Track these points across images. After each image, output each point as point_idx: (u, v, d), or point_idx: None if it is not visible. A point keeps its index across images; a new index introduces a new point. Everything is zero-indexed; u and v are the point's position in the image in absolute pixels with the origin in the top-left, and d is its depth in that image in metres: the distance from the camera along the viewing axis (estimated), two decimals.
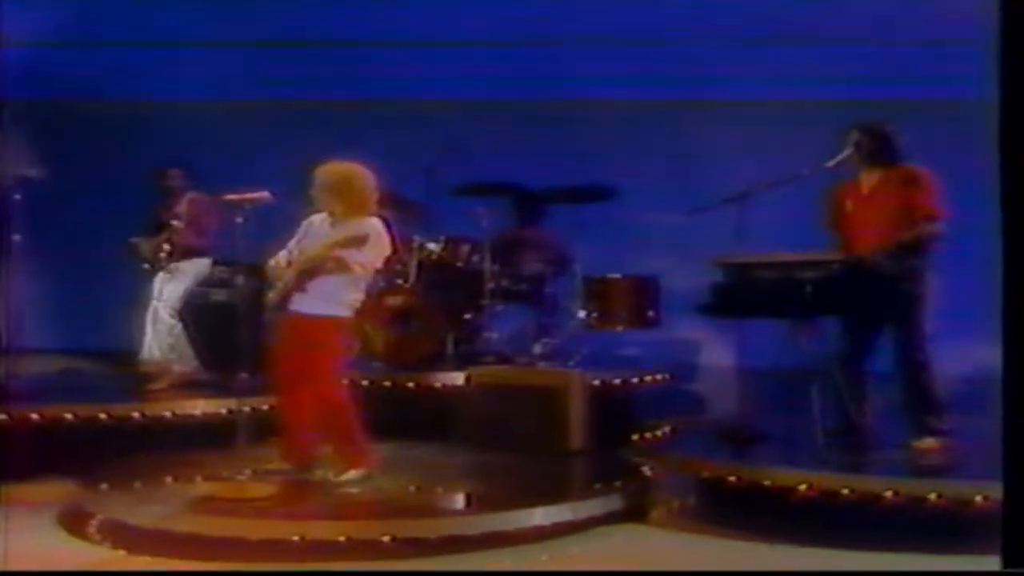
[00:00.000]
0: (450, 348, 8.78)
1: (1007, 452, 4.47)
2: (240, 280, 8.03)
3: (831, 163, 6.69)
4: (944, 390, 6.55)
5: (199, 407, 7.67)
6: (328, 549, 5.48)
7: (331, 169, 6.31)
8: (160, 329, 8.41)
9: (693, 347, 9.51)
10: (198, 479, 6.49)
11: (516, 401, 7.56)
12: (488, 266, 8.83)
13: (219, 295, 8.48)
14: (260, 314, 6.88)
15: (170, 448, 7.26)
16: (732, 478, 6.28)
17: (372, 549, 5.50)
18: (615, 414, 8.01)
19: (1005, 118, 4.33)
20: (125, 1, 9.96)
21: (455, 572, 5.54)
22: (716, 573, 5.53)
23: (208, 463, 6.78)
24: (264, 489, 6.17)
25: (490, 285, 8.82)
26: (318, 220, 6.35)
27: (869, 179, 6.70)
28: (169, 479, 6.50)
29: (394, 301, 8.65)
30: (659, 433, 7.85)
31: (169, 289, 8.47)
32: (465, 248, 9.03)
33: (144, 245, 8.50)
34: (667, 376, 8.76)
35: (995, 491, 4.79)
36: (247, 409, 7.09)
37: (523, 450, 7.21)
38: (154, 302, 8.47)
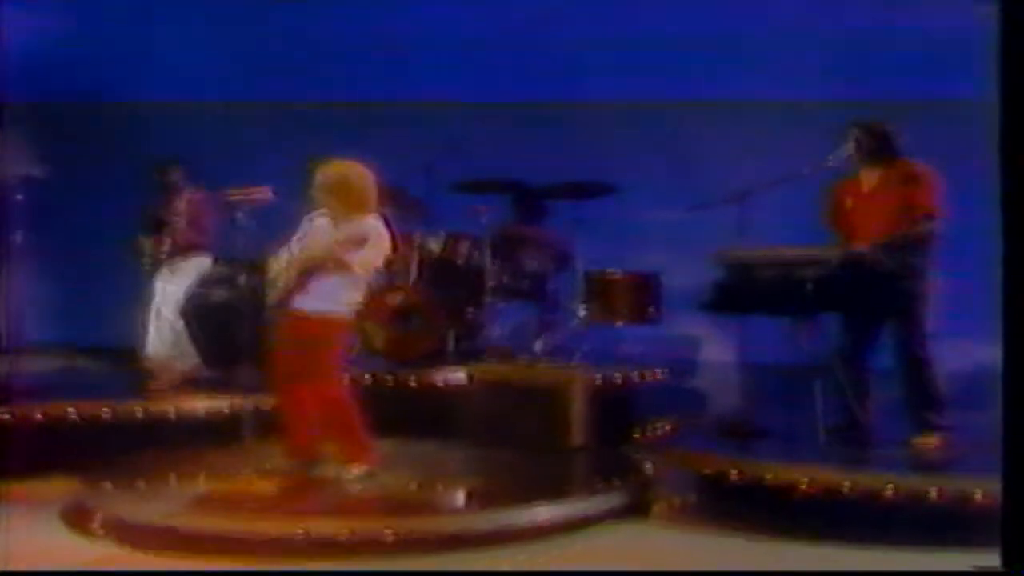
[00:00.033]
0: (451, 345, 8.79)
1: (1006, 448, 4.50)
2: (241, 277, 8.06)
3: (831, 161, 6.70)
4: (945, 386, 6.57)
5: (201, 404, 7.68)
6: (332, 545, 5.48)
7: (330, 168, 6.33)
8: (161, 327, 8.43)
9: (694, 344, 9.54)
10: (201, 476, 6.52)
11: (517, 398, 7.59)
12: (489, 263, 8.84)
13: (220, 293, 8.46)
14: (261, 312, 6.89)
15: (172, 445, 7.26)
16: (733, 474, 6.29)
17: (376, 545, 5.51)
18: (616, 411, 8.01)
19: (1005, 118, 4.35)
20: (125, 4, 10.00)
21: (456, 572, 5.55)
22: (717, 573, 5.53)
23: (211, 460, 6.81)
24: (268, 486, 6.22)
25: (491, 282, 8.84)
26: (319, 219, 6.36)
27: (869, 177, 6.72)
28: (172, 476, 6.51)
29: (395, 298, 8.66)
30: (659, 429, 7.85)
31: (170, 287, 8.48)
32: (466, 245, 9.04)
33: (144, 243, 8.50)
34: (668, 373, 8.79)
35: (995, 487, 4.81)
36: (249, 406, 7.15)
37: (525, 447, 7.23)
38: (155, 300, 8.48)
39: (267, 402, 6.79)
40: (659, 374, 8.65)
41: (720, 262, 6.81)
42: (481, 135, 9.59)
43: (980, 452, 5.84)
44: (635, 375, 8.50)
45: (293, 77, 10.24)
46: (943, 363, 6.56)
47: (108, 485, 6.32)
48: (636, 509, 6.41)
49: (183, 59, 10.01)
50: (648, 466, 7.01)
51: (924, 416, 6.56)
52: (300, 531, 5.51)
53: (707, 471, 6.58)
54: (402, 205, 8.58)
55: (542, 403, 7.48)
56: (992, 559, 4.52)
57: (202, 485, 6.38)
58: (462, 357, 8.60)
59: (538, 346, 8.82)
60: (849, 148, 6.67)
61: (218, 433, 7.37)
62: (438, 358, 8.62)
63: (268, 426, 6.73)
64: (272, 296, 6.38)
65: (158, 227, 8.54)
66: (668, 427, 7.86)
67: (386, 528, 5.59)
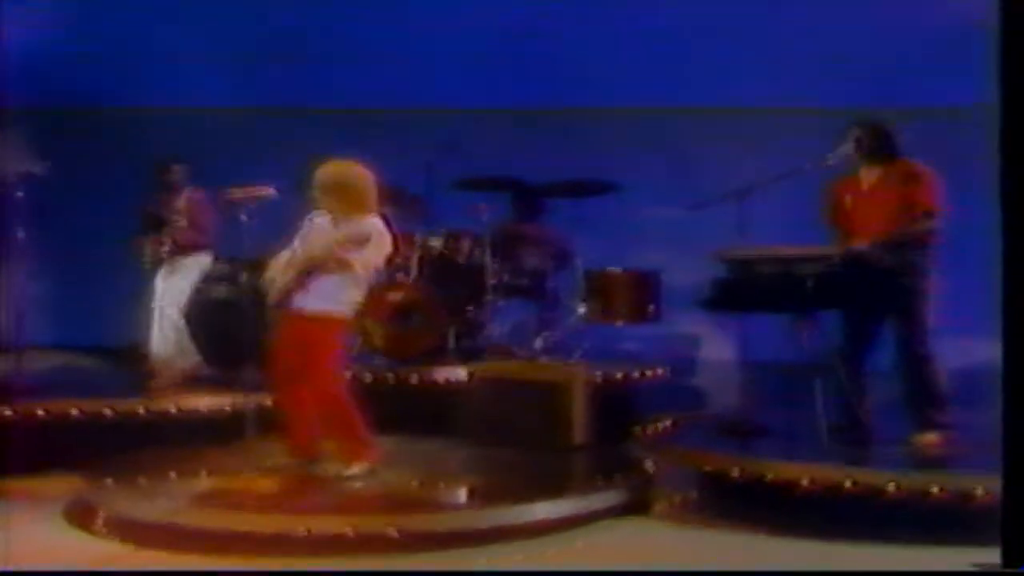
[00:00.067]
0: (451, 343, 8.81)
1: (1007, 446, 4.52)
2: (243, 276, 8.06)
3: (831, 159, 6.71)
4: (945, 384, 6.58)
5: (203, 403, 7.69)
6: (335, 543, 5.50)
7: (330, 169, 6.34)
8: (163, 325, 8.42)
9: (694, 341, 9.56)
10: (203, 474, 6.53)
11: (518, 396, 7.57)
12: (489, 261, 8.87)
13: (221, 291, 8.47)
14: (263, 310, 6.90)
15: (174, 444, 7.28)
16: (734, 472, 6.31)
17: (379, 543, 5.53)
18: (616, 408, 8.03)
19: (1005, 118, 4.37)
20: (125, 10, 10.02)
21: (457, 572, 5.56)
22: (719, 572, 5.54)
23: (213, 458, 6.82)
24: (270, 484, 6.23)
25: (491, 280, 8.86)
26: (320, 219, 6.38)
27: (869, 175, 6.73)
28: (174, 474, 6.51)
29: (395, 296, 8.67)
30: (660, 427, 7.87)
31: (171, 286, 8.47)
32: (466, 243, 9.06)
33: (144, 243, 8.49)
34: (668, 371, 8.81)
35: (996, 484, 4.83)
36: (251, 404, 7.16)
37: (525, 445, 7.22)
38: (156, 299, 8.48)
39: (269, 400, 6.79)
40: (659, 372, 8.68)
41: (720, 260, 6.82)
42: (482, 138, 9.61)
43: (981, 450, 5.85)
44: (635, 373, 8.53)
45: (294, 83, 10.28)
46: (944, 361, 6.57)
47: (110, 482, 6.32)
48: (637, 506, 6.42)
49: (183, 64, 10.06)
50: (649, 463, 7.02)
51: (925, 414, 6.57)
52: (302, 529, 5.53)
53: (708, 468, 6.60)
54: (402, 204, 8.59)
55: (543, 401, 7.47)
56: (993, 556, 4.54)
57: (205, 483, 6.39)
58: (463, 355, 8.62)
59: (538, 344, 8.85)
60: (849, 146, 6.68)
61: (220, 431, 7.37)
62: (439, 356, 8.64)
63: (269, 424, 6.73)
64: (272, 295, 6.39)
65: (158, 226, 8.51)
66: (669, 424, 7.87)
67: (391, 525, 5.60)
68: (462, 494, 6.54)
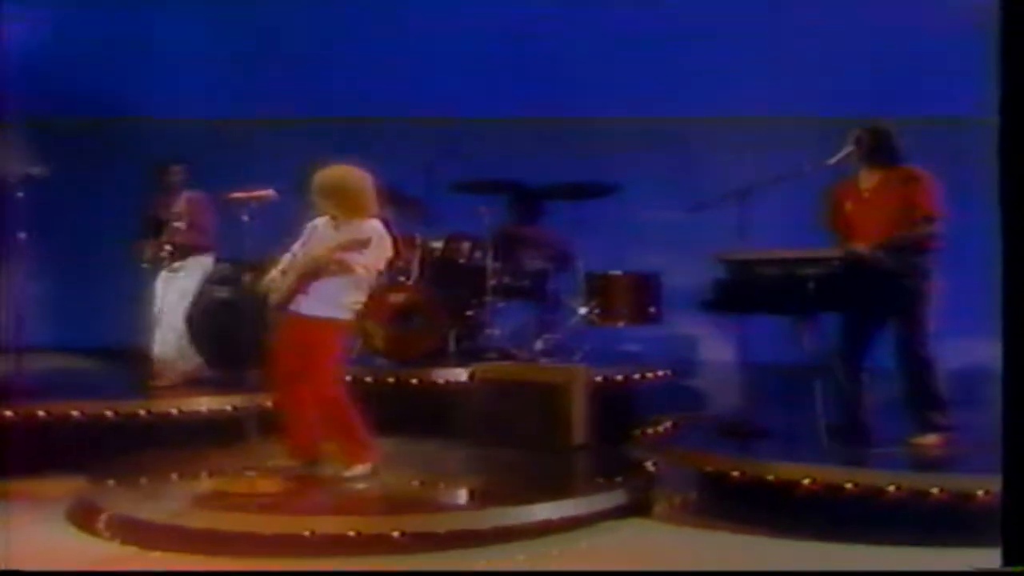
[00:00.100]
0: (452, 344, 8.83)
1: (1007, 447, 4.52)
2: (244, 278, 8.08)
3: (832, 160, 6.72)
4: (945, 386, 6.59)
5: (204, 404, 7.71)
6: (339, 544, 5.51)
7: (328, 173, 6.35)
8: (164, 327, 8.42)
9: (694, 343, 9.58)
10: (205, 475, 6.54)
11: (519, 397, 7.58)
12: (490, 263, 8.88)
13: (222, 293, 8.49)
14: (264, 312, 6.91)
15: (175, 445, 7.29)
16: (735, 473, 6.32)
17: (382, 544, 5.54)
18: (617, 410, 8.05)
19: (1005, 120, 4.37)
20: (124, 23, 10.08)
21: (458, 572, 5.57)
22: (720, 573, 5.54)
23: (214, 459, 6.83)
24: (272, 485, 6.24)
25: (492, 282, 8.88)
26: (322, 223, 6.39)
27: (868, 179, 6.72)
28: (176, 476, 6.53)
29: (396, 298, 8.68)
30: (661, 429, 7.88)
31: (172, 288, 8.46)
32: (467, 245, 9.08)
33: (144, 244, 8.49)
34: (668, 372, 8.82)
35: (996, 485, 4.84)
36: (252, 406, 7.17)
37: (526, 446, 7.23)
38: (157, 301, 8.48)
39: (269, 402, 6.80)
40: (660, 373, 8.69)
41: (721, 262, 6.83)
42: (482, 142, 9.64)
43: (981, 451, 5.86)
44: (636, 374, 8.54)
45: (293, 93, 10.33)
46: (944, 362, 6.58)
47: (112, 484, 6.33)
48: (638, 507, 6.42)
49: (183, 74, 10.11)
50: (650, 464, 7.03)
51: (925, 416, 6.58)
52: (304, 530, 5.54)
53: (709, 469, 6.61)
54: (401, 205, 8.60)
55: (543, 402, 7.48)
56: (993, 557, 4.54)
57: (208, 484, 6.40)
58: (463, 356, 8.63)
59: (539, 345, 8.86)
60: (850, 148, 6.68)
61: (220, 433, 7.40)
62: (439, 357, 8.66)
63: (271, 425, 6.74)
64: (273, 299, 6.40)
65: (158, 228, 8.50)
66: (669, 426, 7.88)
67: (394, 526, 5.62)
68: (463, 495, 6.56)
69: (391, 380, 8.26)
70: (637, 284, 9.03)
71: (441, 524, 5.79)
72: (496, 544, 5.73)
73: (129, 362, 8.69)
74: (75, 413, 7.37)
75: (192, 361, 8.41)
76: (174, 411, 7.61)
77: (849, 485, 5.93)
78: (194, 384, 8.23)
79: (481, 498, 6.40)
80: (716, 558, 5.74)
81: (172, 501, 6.02)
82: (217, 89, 10.27)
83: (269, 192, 6.98)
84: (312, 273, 6.24)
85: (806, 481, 6.02)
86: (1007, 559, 4.47)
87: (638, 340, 9.41)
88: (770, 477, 6.17)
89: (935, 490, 5.80)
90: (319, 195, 6.32)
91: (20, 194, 7.70)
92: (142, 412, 7.53)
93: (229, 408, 7.59)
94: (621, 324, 9.03)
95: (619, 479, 6.69)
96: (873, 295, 6.48)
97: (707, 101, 9.75)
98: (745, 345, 7.09)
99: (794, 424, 6.87)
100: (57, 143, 8.84)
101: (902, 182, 6.59)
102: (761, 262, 6.69)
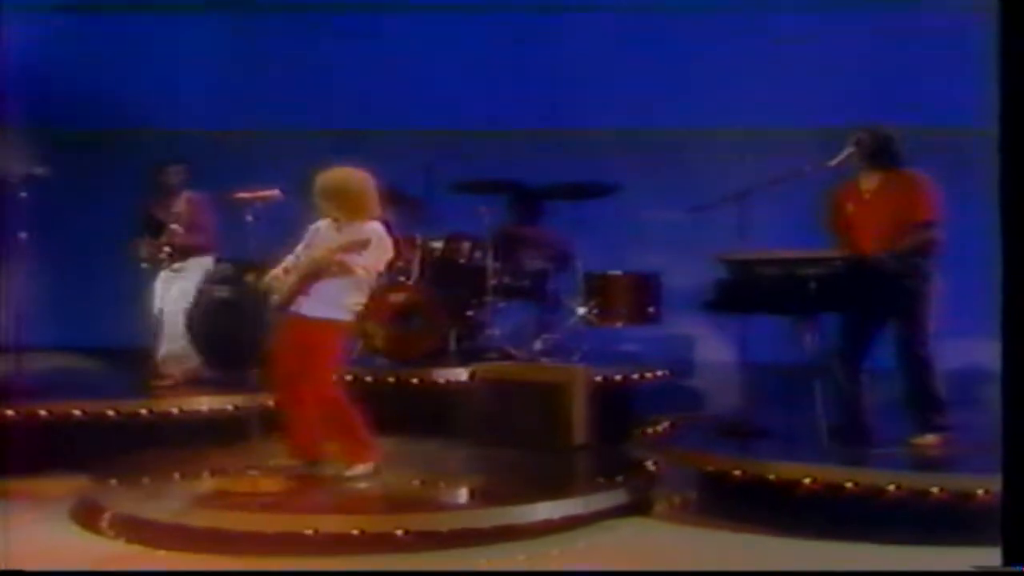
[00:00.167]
0: (452, 344, 8.84)
1: (1006, 447, 4.54)
2: (245, 278, 8.09)
3: (832, 162, 6.73)
4: (945, 387, 6.60)
5: (205, 403, 7.72)
6: (342, 543, 5.53)
7: (329, 176, 6.36)
8: (164, 327, 8.44)
9: (694, 343, 9.59)
10: (207, 475, 6.55)
11: (519, 396, 7.60)
12: (490, 263, 8.89)
13: (223, 293, 8.49)
14: (264, 312, 6.93)
15: (177, 444, 7.30)
16: (736, 472, 6.34)
17: (386, 542, 5.56)
18: (617, 410, 8.07)
19: (1005, 121, 4.39)
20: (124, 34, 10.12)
21: (459, 572, 5.59)
22: (720, 573, 5.55)
23: (216, 459, 6.84)
24: (274, 484, 6.26)
25: (492, 282, 8.88)
26: (324, 225, 6.41)
27: (869, 181, 6.73)
28: (178, 475, 6.54)
29: (397, 298, 8.69)
30: (660, 428, 7.90)
31: (172, 288, 8.46)
32: (467, 245, 9.09)
33: (144, 246, 8.49)
34: (668, 372, 8.84)
35: (996, 485, 4.85)
36: (254, 405, 7.18)
37: (526, 445, 7.24)
38: (158, 301, 8.49)
39: (270, 401, 6.81)
40: (660, 373, 8.71)
41: (722, 262, 6.84)
42: (482, 146, 9.68)
43: (980, 451, 5.88)
44: (636, 374, 8.56)
45: (293, 105, 10.38)
46: (943, 363, 6.59)
47: (115, 483, 6.35)
48: (638, 507, 6.44)
49: (182, 86, 10.15)
50: (650, 464, 7.05)
51: (925, 416, 6.59)
52: (306, 529, 5.56)
53: (710, 469, 6.63)
54: (400, 204, 8.60)
55: (543, 401, 7.50)
56: (993, 556, 4.56)
57: (210, 483, 6.41)
58: (463, 356, 8.64)
59: (538, 345, 8.88)
60: (850, 149, 6.69)
61: (222, 432, 7.42)
62: (440, 357, 8.67)
63: (272, 425, 6.76)
64: (274, 299, 6.42)
65: (157, 228, 8.50)
66: (669, 426, 7.90)
67: (397, 525, 5.64)
68: (463, 494, 6.57)
69: (392, 380, 8.28)
70: (636, 284, 9.05)
71: (443, 523, 5.82)
72: (497, 543, 5.74)
73: (130, 362, 8.70)
74: (76, 412, 7.39)
75: (192, 361, 8.41)
76: (175, 411, 7.62)
77: (849, 485, 5.95)
78: (195, 384, 8.23)
79: (482, 497, 6.40)
80: (716, 557, 5.75)
81: (175, 500, 6.03)
82: (218, 99, 10.31)
83: (275, 192, 7.00)
84: (313, 274, 6.26)
85: (806, 481, 6.04)
86: (1007, 559, 4.49)
87: (637, 340, 9.42)
88: (770, 477, 6.19)
89: (935, 489, 5.83)
90: (321, 197, 6.34)
91: (23, 194, 7.71)
92: (143, 412, 7.54)
93: (230, 408, 7.61)
94: (620, 324, 9.05)
95: (619, 479, 6.70)
96: (873, 296, 6.49)
97: (708, 112, 9.80)
98: (745, 345, 7.10)
99: (794, 424, 6.89)
100: (59, 148, 8.86)
101: (902, 185, 6.60)
102: (761, 262, 6.70)
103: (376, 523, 5.70)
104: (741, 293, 6.76)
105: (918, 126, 7.84)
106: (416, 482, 6.49)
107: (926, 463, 6.39)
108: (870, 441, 6.62)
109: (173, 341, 8.37)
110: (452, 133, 9.99)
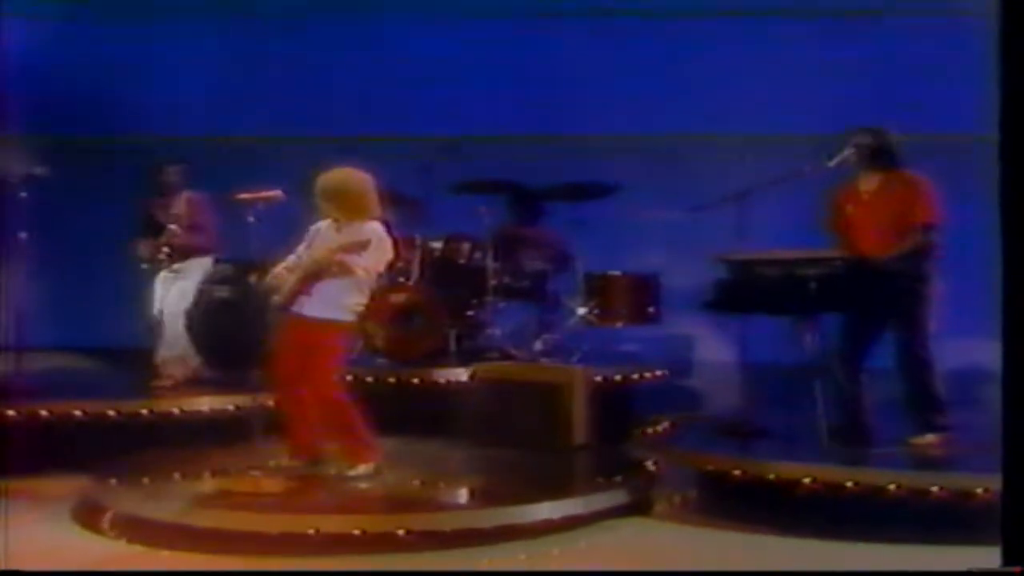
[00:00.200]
0: (452, 344, 8.85)
1: (1006, 447, 4.54)
2: (245, 278, 8.10)
3: (832, 162, 6.74)
4: (945, 387, 6.61)
5: (206, 404, 7.73)
6: (344, 542, 5.54)
7: (330, 176, 6.38)
8: (164, 328, 8.44)
9: (693, 343, 9.60)
10: (208, 475, 6.55)
11: (519, 396, 7.61)
12: (490, 263, 8.90)
13: (223, 293, 8.50)
14: (264, 312, 6.93)
15: (178, 444, 7.31)
16: (736, 472, 6.35)
17: (387, 542, 5.57)
18: (617, 410, 8.07)
19: (1005, 121, 4.40)
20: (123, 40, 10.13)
21: (459, 572, 5.59)
22: (720, 572, 5.56)
23: (217, 459, 6.84)
24: (276, 484, 6.26)
25: (492, 282, 8.90)
26: (324, 226, 6.42)
27: (868, 183, 6.73)
28: (179, 475, 6.54)
29: (397, 298, 8.70)
30: (660, 428, 7.91)
31: (172, 289, 8.46)
32: (467, 245, 9.10)
33: (144, 246, 8.49)
34: (668, 372, 8.85)
35: (995, 484, 4.86)
36: (255, 405, 7.19)
37: (526, 445, 7.25)
38: (157, 301, 8.49)
39: (271, 401, 6.82)
40: (659, 373, 8.72)
41: (722, 262, 6.85)
42: (482, 148, 9.70)
43: (980, 451, 5.89)
44: (635, 374, 8.57)
45: (294, 112, 10.39)
46: (943, 363, 6.60)
47: (117, 483, 6.35)
48: (638, 507, 6.45)
49: (183, 94, 10.16)
50: (650, 464, 7.06)
51: (924, 417, 6.60)
52: (308, 529, 5.56)
53: (710, 468, 6.63)
54: (400, 205, 8.61)
55: (543, 401, 7.51)
56: (993, 556, 4.57)
57: (211, 483, 6.41)
58: (464, 356, 8.65)
59: (538, 345, 8.89)
60: (850, 150, 6.70)
61: (222, 432, 7.42)
62: (440, 357, 8.68)
63: (273, 425, 6.76)
64: (275, 299, 6.43)
65: (157, 229, 8.50)
66: (668, 425, 7.90)
67: (398, 525, 5.65)
68: (464, 494, 6.58)
69: (392, 380, 8.29)
70: (636, 284, 9.05)
71: (444, 523, 5.83)
72: (498, 543, 5.75)
73: (130, 362, 8.71)
74: (77, 413, 7.39)
75: (192, 361, 8.42)
76: (176, 411, 7.63)
77: (849, 484, 5.96)
78: (195, 384, 8.24)
79: (483, 497, 6.41)
80: (716, 557, 5.76)
81: (176, 500, 6.03)
82: (217, 105, 10.34)
83: (277, 193, 7.00)
84: (313, 275, 6.27)
85: (806, 480, 6.05)
86: (1007, 558, 4.50)
87: (637, 340, 9.43)
88: (770, 477, 6.20)
89: (935, 489, 5.84)
90: (321, 198, 6.36)
91: (23, 194, 7.71)
92: (144, 412, 7.55)
93: (231, 408, 7.62)
94: (620, 324, 9.05)
95: (619, 478, 6.71)
96: (873, 296, 6.50)
97: (707, 119, 9.83)
98: (745, 345, 7.11)
99: (794, 424, 6.90)
100: (59, 150, 8.88)
101: (902, 186, 6.61)
102: (761, 263, 6.71)
103: (377, 523, 5.71)
104: (741, 293, 6.77)
105: (918, 132, 7.88)
106: (417, 482, 6.49)
107: (926, 463, 6.40)
108: (870, 441, 6.63)
109: (173, 341, 8.37)
110: (452, 139, 9.99)
